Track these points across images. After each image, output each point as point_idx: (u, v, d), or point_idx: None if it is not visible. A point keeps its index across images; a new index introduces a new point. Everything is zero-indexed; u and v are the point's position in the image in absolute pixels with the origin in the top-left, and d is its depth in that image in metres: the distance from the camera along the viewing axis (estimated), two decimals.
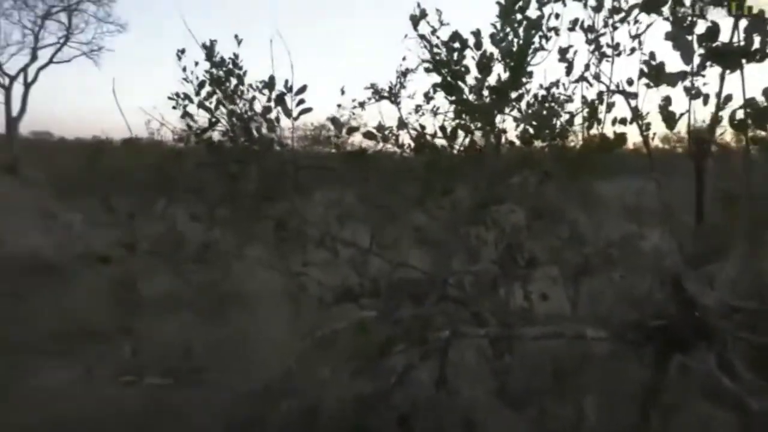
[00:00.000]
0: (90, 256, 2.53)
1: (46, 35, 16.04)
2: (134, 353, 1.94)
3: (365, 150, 2.20)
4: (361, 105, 3.42)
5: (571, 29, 2.48)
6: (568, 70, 2.38)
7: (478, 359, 3.54)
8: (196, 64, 2.61)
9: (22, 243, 9.07)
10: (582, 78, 2.48)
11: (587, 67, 2.46)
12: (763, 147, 1.66)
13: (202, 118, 2.70)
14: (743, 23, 1.56)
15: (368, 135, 2.19)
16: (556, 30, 2.48)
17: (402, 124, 2.84)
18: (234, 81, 2.65)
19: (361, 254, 2.40)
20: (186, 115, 2.62)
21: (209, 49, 2.56)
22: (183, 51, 2.59)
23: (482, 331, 1.99)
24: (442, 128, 2.02)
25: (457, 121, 2.07)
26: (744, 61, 1.53)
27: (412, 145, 2.60)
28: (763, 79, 1.62)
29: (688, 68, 1.62)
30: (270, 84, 2.33)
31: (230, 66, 2.64)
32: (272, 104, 2.48)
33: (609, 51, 2.42)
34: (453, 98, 2.06)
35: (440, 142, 2.28)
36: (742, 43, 1.54)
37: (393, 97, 3.24)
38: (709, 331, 1.69)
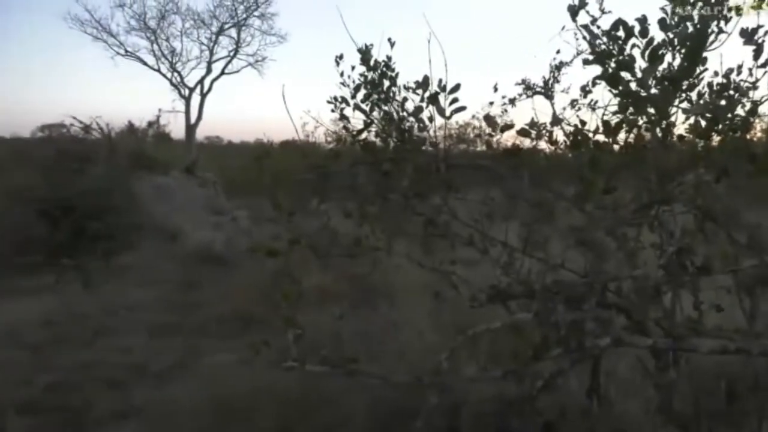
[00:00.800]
0: (256, 249, 2.74)
1: (218, 50, 17.80)
2: (296, 341, 2.08)
3: (520, 148, 2.14)
4: (512, 102, 3.35)
5: (757, 7, 2.21)
6: (757, 54, 2.12)
7: (633, 371, 3.31)
8: (353, 68, 2.72)
9: (197, 236, 10.17)
10: None
11: None
12: None
13: (357, 120, 2.82)
14: None
15: (523, 132, 2.13)
16: (738, 9, 2.22)
17: (556, 120, 2.73)
18: (387, 83, 2.72)
19: (512, 254, 2.35)
20: (343, 117, 2.75)
21: (365, 53, 2.66)
22: (341, 56, 2.72)
23: (648, 341, 1.84)
24: (605, 123, 1.90)
25: (621, 115, 1.93)
26: None
27: (567, 141, 2.49)
28: None
29: None
30: (424, 84, 2.36)
31: (383, 68, 2.71)
32: (424, 104, 2.51)
33: None
34: (618, 91, 1.93)
35: (599, 138, 2.16)
36: None
37: (546, 92, 3.14)
38: None
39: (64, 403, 4.42)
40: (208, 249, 9.60)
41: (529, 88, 3.31)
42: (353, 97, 2.74)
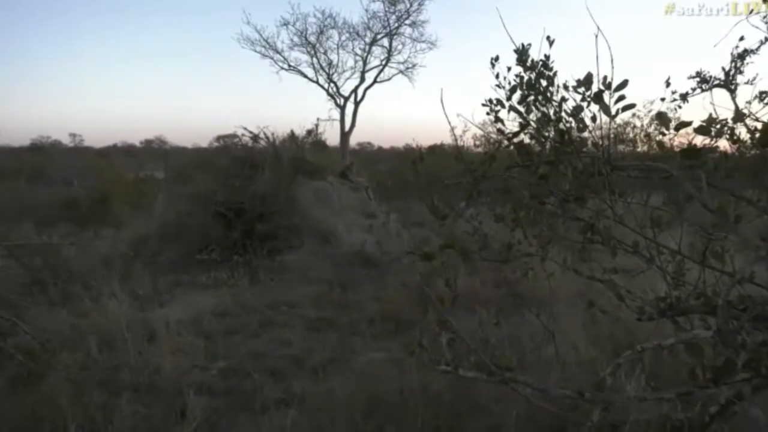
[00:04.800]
0: (411, 252, 2.79)
1: (371, 59, 18.52)
2: (449, 344, 2.07)
3: (697, 147, 1.93)
4: (683, 97, 3.04)
5: None
6: None
7: None
8: (509, 69, 2.66)
9: (351, 238, 10.64)
10: None
11: None
12: None
13: (511, 122, 2.75)
14: None
15: (701, 130, 1.92)
16: None
17: (740, 115, 2.43)
18: (544, 83, 2.62)
19: (680, 263, 2.13)
20: (498, 120, 2.70)
21: (521, 53, 2.59)
22: (497, 58, 2.67)
23: None
24: None
25: None
26: None
27: (753, 139, 2.21)
28: None
29: None
30: (586, 81, 2.23)
31: (541, 68, 2.62)
32: (584, 103, 2.38)
33: None
34: None
35: None
36: None
37: (728, 84, 2.80)
38: None
39: (234, 387, 4.87)
40: (360, 251, 10.00)
41: (705, 81, 2.98)
42: (509, 98, 2.68)
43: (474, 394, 3.68)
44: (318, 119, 16.28)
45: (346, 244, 10.40)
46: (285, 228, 10.20)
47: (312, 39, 18.28)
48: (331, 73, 18.49)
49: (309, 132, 14.33)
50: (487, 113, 2.71)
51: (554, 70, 2.62)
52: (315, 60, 18.47)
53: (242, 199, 10.07)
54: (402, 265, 8.70)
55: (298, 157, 12.09)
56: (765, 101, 2.57)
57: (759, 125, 2.36)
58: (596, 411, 2.00)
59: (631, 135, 13.07)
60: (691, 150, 1.85)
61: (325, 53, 18.49)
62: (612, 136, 3.22)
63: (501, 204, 3.03)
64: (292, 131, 13.17)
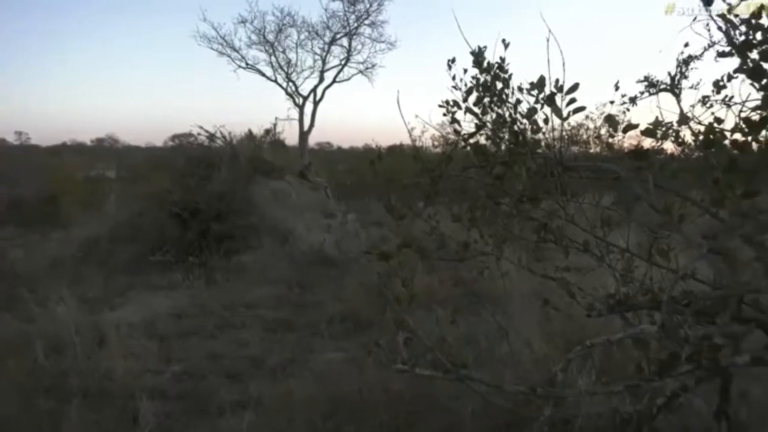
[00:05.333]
0: (368, 251, 2.80)
1: (330, 59, 18.41)
2: (406, 343, 2.09)
3: (644, 149, 2.01)
4: (632, 100, 3.15)
5: None
6: None
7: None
8: (465, 71, 2.70)
9: (309, 238, 10.58)
10: None
11: None
12: None
13: (468, 123, 2.79)
14: None
15: (648, 132, 2.00)
16: None
17: (684, 118, 2.54)
18: (500, 85, 2.67)
19: (629, 261, 2.21)
20: (454, 121, 2.73)
21: (478, 56, 2.63)
22: (453, 60, 2.71)
23: None
24: (746, 120, 1.74)
25: (764, 111, 1.76)
26: None
27: (697, 141, 2.30)
28: None
29: None
30: (539, 84, 2.29)
31: (496, 70, 2.67)
32: (538, 106, 2.44)
33: None
34: (761, 84, 1.76)
35: (736, 137, 1.97)
36: None
37: (673, 88, 2.92)
38: None
39: (189, 391, 4.77)
40: (319, 250, 9.95)
41: (652, 86, 3.09)
42: (465, 100, 2.72)
43: (433, 393, 3.71)
44: (276, 119, 16.10)
45: (304, 244, 10.33)
46: (242, 228, 10.06)
47: (270, 37, 18.04)
48: (289, 72, 18.31)
49: (267, 131, 14.16)
50: (444, 114, 2.74)
51: (509, 72, 2.67)
52: (273, 59, 18.25)
53: (198, 199, 9.88)
54: (361, 265, 8.70)
55: (256, 157, 11.95)
56: (707, 105, 2.68)
57: (702, 128, 2.45)
58: (548, 406, 2.04)
59: (584, 137, 13.41)
60: (638, 152, 1.92)
61: (283, 52, 18.29)
62: (565, 137, 3.29)
63: (458, 204, 3.07)
64: (249, 130, 13.00)
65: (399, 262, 2.57)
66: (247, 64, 18.32)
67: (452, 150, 2.75)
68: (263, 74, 18.38)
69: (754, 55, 1.79)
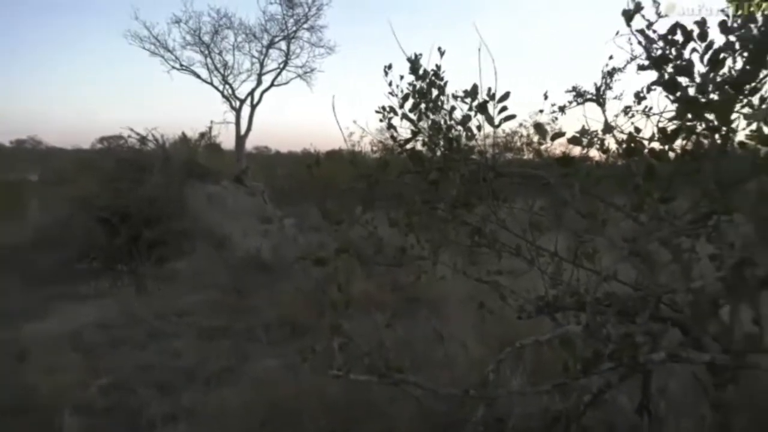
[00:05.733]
0: (303, 257, 2.78)
1: (268, 62, 18.18)
2: (342, 349, 2.08)
3: (570, 156, 2.09)
4: (562, 109, 3.28)
5: None
6: None
7: (685, 388, 3.18)
8: (401, 78, 2.73)
9: (246, 244, 10.38)
10: None
11: None
12: None
13: (404, 129, 2.82)
14: None
15: (574, 140, 2.08)
16: None
17: (608, 127, 2.66)
18: (435, 92, 2.72)
19: (559, 264, 2.30)
20: (391, 127, 2.76)
21: (413, 62, 2.67)
22: (390, 66, 2.73)
23: (705, 357, 1.76)
24: (661, 130, 1.84)
25: (679, 122, 1.87)
26: None
27: (620, 149, 2.42)
28: None
29: None
30: (473, 92, 2.34)
31: (432, 78, 2.71)
32: (472, 113, 2.49)
33: None
34: (675, 96, 1.87)
35: (654, 145, 2.09)
36: None
37: (598, 98, 3.06)
38: None
39: (117, 404, 4.57)
40: (255, 256, 9.78)
41: (579, 95, 3.24)
42: (401, 106, 2.75)
43: (370, 397, 3.72)
44: (212, 122, 15.74)
45: (240, 250, 10.13)
46: (175, 233, 9.75)
47: (206, 39, 17.64)
48: (226, 74, 17.94)
49: (202, 135, 13.83)
50: (380, 120, 2.76)
51: (445, 80, 2.72)
52: (209, 60, 17.85)
53: (128, 204, 9.49)
54: (298, 270, 8.61)
55: (191, 161, 11.63)
56: (629, 115, 2.83)
57: (625, 137, 2.58)
58: (481, 407, 2.09)
59: (518, 144, 13.83)
60: (564, 159, 2.00)
61: (220, 54, 17.92)
62: (500, 144, 3.35)
63: (395, 209, 3.10)
64: (183, 133, 12.64)
65: (335, 267, 2.56)
66: (181, 65, 17.84)
67: (389, 156, 2.77)
68: (198, 76, 17.94)
69: (670, 69, 1.91)
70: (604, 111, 3.08)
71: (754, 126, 2.17)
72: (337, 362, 2.00)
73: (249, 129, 17.50)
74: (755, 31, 1.89)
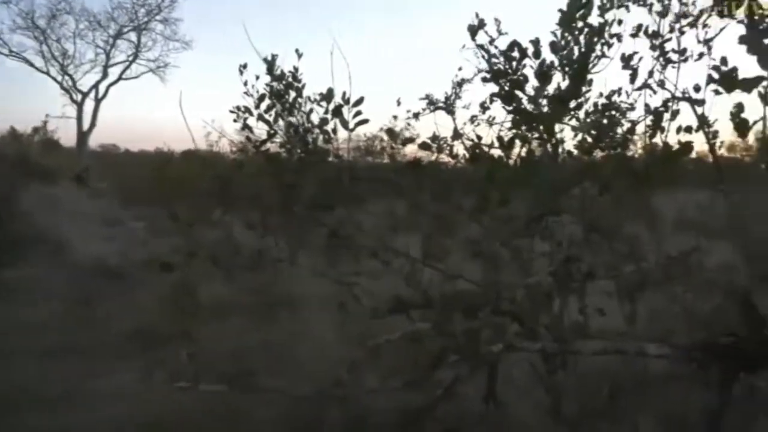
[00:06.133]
0: (153, 262, 2.62)
1: (116, 54, 16.91)
2: (191, 358, 1.99)
3: (420, 160, 2.20)
4: (416, 116, 3.44)
5: (635, 35, 2.43)
6: (633, 78, 2.31)
7: (528, 375, 3.48)
8: (257, 78, 2.68)
9: (89, 250, 9.53)
10: (645, 85, 2.41)
11: (651, 73, 2.39)
12: None
13: (261, 130, 2.77)
14: None
15: (424, 146, 2.19)
16: (619, 36, 2.42)
17: (457, 134, 2.83)
18: (293, 94, 2.70)
19: (413, 265, 2.40)
20: (246, 127, 2.70)
21: (270, 63, 2.63)
22: (245, 66, 2.67)
23: (537, 345, 1.94)
24: (499, 138, 2.00)
25: (515, 131, 2.04)
26: None
27: (467, 155, 2.59)
28: None
29: (765, 73, 1.54)
30: (328, 96, 2.37)
31: (290, 79, 2.70)
32: (329, 116, 2.52)
33: (675, 57, 2.36)
34: (511, 108, 2.04)
35: (496, 152, 2.26)
36: None
37: (448, 107, 3.25)
38: None
39: None
40: (101, 262, 9.02)
41: (432, 104, 3.41)
42: (257, 107, 2.70)
43: (230, 406, 3.59)
44: (47, 116, 14.28)
45: (84, 256, 9.28)
46: (6, 240, 8.68)
47: (41, 23, 15.98)
48: (65, 64, 16.40)
49: (36, 130, 12.47)
50: (235, 120, 2.69)
51: (303, 82, 2.72)
52: (45, 47, 16.18)
53: None
54: (152, 277, 8.09)
55: (22, 159, 10.43)
56: (475, 124, 3.03)
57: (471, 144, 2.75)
58: (337, 407, 2.12)
59: (379, 148, 14.24)
60: (413, 163, 2.09)
61: (58, 41, 16.34)
62: (362, 148, 3.38)
63: (252, 211, 3.03)
64: (12, 128, 11.30)
65: (187, 272, 2.45)
66: (10, 51, 15.97)
67: (244, 157, 2.71)
68: (32, 64, 16.19)
69: (506, 82, 2.08)
70: (454, 119, 3.27)
71: (580, 137, 2.44)
72: (185, 373, 1.91)
73: (93, 125, 16.14)
74: (576, 53, 2.12)
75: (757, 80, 1.57)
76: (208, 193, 2.99)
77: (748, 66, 1.67)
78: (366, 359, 2.35)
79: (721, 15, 1.74)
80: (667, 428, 2.79)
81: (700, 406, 2.31)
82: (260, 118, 2.64)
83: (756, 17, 1.52)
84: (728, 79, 1.64)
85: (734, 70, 1.68)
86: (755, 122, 1.67)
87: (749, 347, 1.86)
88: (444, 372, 2.42)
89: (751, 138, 2.07)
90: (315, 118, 2.64)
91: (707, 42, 2.09)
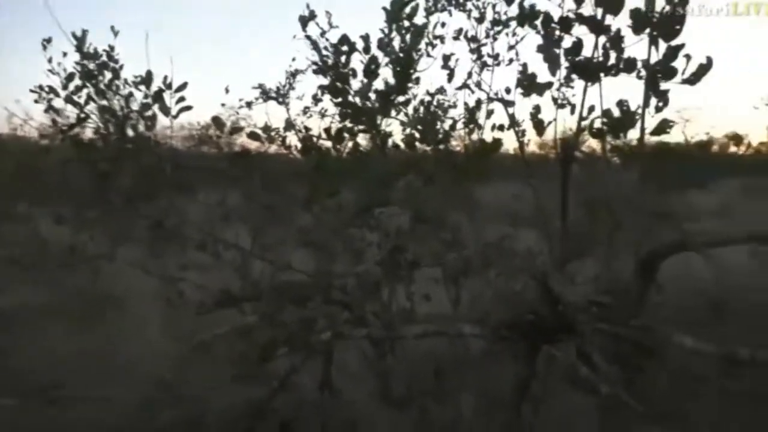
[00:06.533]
0: None
1: None
2: None
3: (249, 151, 2.14)
4: (248, 105, 3.32)
5: (456, 38, 2.59)
6: (450, 77, 2.47)
7: (361, 362, 3.59)
8: (65, 54, 2.41)
9: None
10: (465, 85, 2.59)
11: (470, 75, 2.57)
12: (620, 154, 1.83)
13: (71, 113, 2.50)
14: (602, 40, 1.70)
15: (252, 135, 2.14)
16: (442, 38, 2.57)
17: (289, 125, 2.80)
18: (108, 75, 2.48)
19: (243, 256, 2.34)
20: (51, 109, 2.41)
21: (80, 40, 2.38)
22: (49, 40, 2.38)
23: (363, 332, 2.01)
24: (327, 130, 2.02)
25: (343, 123, 2.08)
26: (602, 74, 1.67)
27: (299, 146, 2.58)
28: (619, 91, 1.78)
29: (554, 79, 1.74)
30: (147, 79, 2.20)
31: (104, 59, 2.46)
32: (150, 101, 2.35)
33: (490, 60, 2.56)
34: (338, 101, 2.07)
35: (327, 144, 2.29)
36: (600, 59, 1.68)
37: (281, 97, 3.19)
38: (571, 324, 1.82)
39: None
40: None
41: (265, 93, 3.32)
42: (65, 87, 2.43)
43: (22, 424, 3.21)
44: None
45: None
46: None
47: None
48: None
49: None
50: (36, 101, 2.39)
51: (120, 63, 2.49)
52: None
53: None
54: None
55: None
56: (308, 115, 3.01)
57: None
58: (167, 409, 2.00)
59: (213, 137, 13.65)
60: (241, 153, 2.04)
61: None
62: (195, 137, 3.24)
63: (64, 204, 2.74)
64: None
65: None
66: None
67: (50, 143, 2.43)
68: None
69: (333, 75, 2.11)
70: (287, 110, 3.22)
71: (407, 131, 2.56)
72: None
73: None
74: (402, 51, 2.22)
75: (548, 85, 1.77)
76: (9, 184, 2.64)
77: (546, 72, 1.88)
78: (194, 357, 2.25)
79: (521, 24, 1.93)
80: (485, 402, 3.05)
81: (511, 378, 2.56)
82: (69, 99, 2.38)
83: (549, 29, 1.70)
84: (528, 84, 1.82)
85: (533, 75, 1.87)
86: (549, 123, 1.89)
87: (547, 323, 2.10)
88: (280, 364, 2.40)
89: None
90: (136, 104, 2.45)
91: (512, 48, 2.29)
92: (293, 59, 3.40)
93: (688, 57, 1.50)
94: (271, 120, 2.78)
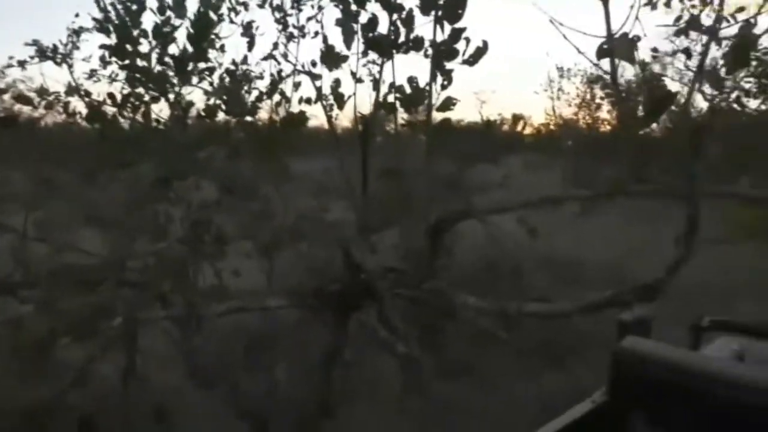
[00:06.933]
0: None
1: None
2: None
3: (16, 116, 1.86)
4: (21, 64, 2.86)
5: (261, 6, 2.49)
6: (250, 46, 2.38)
7: (168, 344, 3.41)
8: None
9: None
10: (270, 56, 2.52)
11: (275, 45, 2.50)
12: (412, 128, 1.93)
13: None
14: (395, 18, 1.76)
15: (22, 98, 1.86)
16: (246, 5, 2.46)
17: (72, 89, 2.49)
18: None
19: (18, 239, 2.05)
20: None
21: None
22: None
23: (163, 314, 1.89)
24: (111, 95, 1.83)
25: (132, 89, 1.90)
26: (394, 51, 1.74)
27: (84, 113, 2.31)
28: (414, 68, 1.87)
29: (350, 53, 1.77)
30: None
31: None
32: None
33: (296, 32, 2.51)
34: (125, 63, 1.88)
35: (113, 110, 2.08)
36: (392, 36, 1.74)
37: (62, 58, 2.80)
38: (372, 291, 1.91)
39: None
40: None
41: (42, 52, 2.88)
42: None
43: None
44: None
45: None
46: None
47: None
48: None
49: None
50: None
51: None
52: None
53: None
54: None
55: None
56: (95, 80, 2.70)
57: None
58: None
59: None
60: (10, 119, 1.77)
61: None
62: None
63: None
64: None
65: None
66: None
67: None
68: None
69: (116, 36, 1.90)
70: (71, 72, 2.85)
71: (212, 101, 2.42)
72: None
73: None
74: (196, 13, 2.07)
75: (344, 58, 1.80)
76: None
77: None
78: None
79: None
80: (297, 371, 3.09)
81: (321, 346, 2.61)
82: None
83: (346, 3, 1.72)
84: (327, 55, 1.83)
85: (331, 47, 1.88)
86: (349, 97, 1.92)
87: (352, 290, 2.17)
88: (78, 355, 2.17)
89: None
90: None
91: (311, 19, 2.26)
92: (76, 15, 3.00)
93: (467, 40, 1.63)
94: (49, 83, 2.45)
